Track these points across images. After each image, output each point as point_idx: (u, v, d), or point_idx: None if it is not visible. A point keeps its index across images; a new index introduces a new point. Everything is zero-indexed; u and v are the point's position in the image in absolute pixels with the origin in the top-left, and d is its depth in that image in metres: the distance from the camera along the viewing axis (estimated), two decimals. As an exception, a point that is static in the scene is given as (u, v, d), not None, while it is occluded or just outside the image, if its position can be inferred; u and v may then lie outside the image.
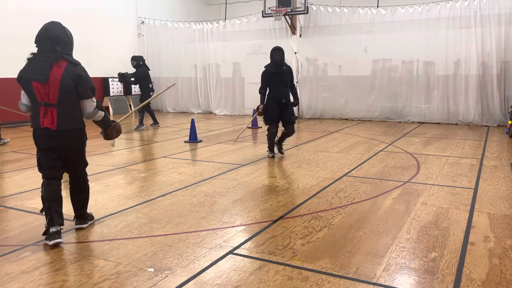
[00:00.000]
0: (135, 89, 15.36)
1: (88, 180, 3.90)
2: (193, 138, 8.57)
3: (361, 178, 5.50)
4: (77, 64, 3.55)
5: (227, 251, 3.28)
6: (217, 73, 14.69)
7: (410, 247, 3.33)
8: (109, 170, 6.16)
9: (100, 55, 13.66)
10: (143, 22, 15.53)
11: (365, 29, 12.13)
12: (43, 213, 3.57)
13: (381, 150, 7.43)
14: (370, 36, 12.07)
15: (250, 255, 3.23)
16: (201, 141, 8.63)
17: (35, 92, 3.44)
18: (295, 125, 7.21)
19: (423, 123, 11.46)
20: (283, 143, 7.18)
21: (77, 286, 2.76)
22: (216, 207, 4.41)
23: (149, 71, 11.07)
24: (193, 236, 3.58)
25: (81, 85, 3.52)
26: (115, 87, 14.79)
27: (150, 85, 10.93)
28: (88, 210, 3.96)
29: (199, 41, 14.80)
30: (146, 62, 15.61)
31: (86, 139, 3.81)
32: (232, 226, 3.83)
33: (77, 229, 3.76)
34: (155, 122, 11.39)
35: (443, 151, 7.36)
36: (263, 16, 12.96)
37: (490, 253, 3.19)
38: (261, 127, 10.92)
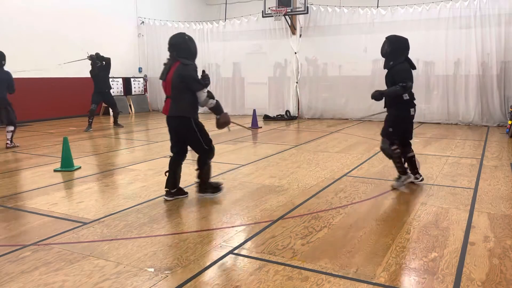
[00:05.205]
0: (135, 89, 15.39)
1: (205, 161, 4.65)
2: (193, 138, 8.55)
3: (361, 178, 5.49)
4: (186, 64, 4.15)
5: (227, 251, 3.28)
6: (217, 73, 14.67)
7: (410, 247, 3.33)
8: (109, 170, 6.16)
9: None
10: (143, 22, 15.54)
11: (365, 29, 12.11)
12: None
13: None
14: (370, 36, 12.03)
15: (250, 255, 3.22)
16: (201, 141, 8.61)
17: (162, 88, 4.36)
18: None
19: (423, 123, 11.45)
20: None
21: (77, 286, 2.75)
22: (216, 207, 4.41)
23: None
24: (193, 236, 3.58)
25: (186, 82, 4.15)
26: (118, 87, 14.84)
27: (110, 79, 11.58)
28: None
29: (199, 41, 14.75)
30: (146, 61, 15.83)
31: (197, 127, 4.36)
32: (232, 226, 3.83)
33: (78, 228, 3.76)
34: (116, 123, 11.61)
35: (443, 151, 7.35)
36: (263, 16, 12.95)
37: (490, 253, 3.19)
38: (261, 127, 10.92)
